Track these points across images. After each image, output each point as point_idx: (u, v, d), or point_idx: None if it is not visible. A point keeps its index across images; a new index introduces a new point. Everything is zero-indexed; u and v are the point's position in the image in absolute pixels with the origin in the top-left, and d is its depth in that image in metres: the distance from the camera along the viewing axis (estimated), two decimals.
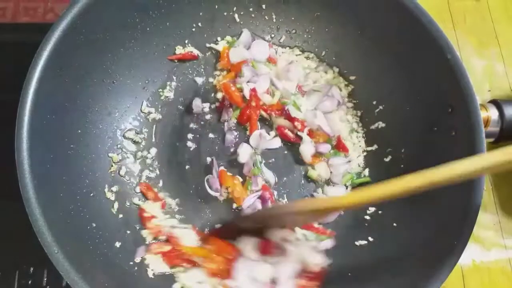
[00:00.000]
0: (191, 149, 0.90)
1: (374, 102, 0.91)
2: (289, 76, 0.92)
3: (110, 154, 0.84)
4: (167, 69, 0.93)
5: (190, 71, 0.94)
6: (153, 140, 0.89)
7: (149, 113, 0.90)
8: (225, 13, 0.93)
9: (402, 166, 0.85)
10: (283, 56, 0.97)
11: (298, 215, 0.72)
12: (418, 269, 0.70)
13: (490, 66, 1.10)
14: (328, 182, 0.90)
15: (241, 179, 0.88)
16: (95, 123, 0.82)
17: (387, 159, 0.88)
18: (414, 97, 0.84)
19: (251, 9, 0.94)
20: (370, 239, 0.83)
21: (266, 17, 0.95)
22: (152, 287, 0.74)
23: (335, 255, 0.81)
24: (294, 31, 0.97)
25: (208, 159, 0.89)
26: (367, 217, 0.85)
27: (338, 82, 0.95)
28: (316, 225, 0.85)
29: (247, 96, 0.89)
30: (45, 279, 0.82)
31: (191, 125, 0.91)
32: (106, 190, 0.81)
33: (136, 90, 0.89)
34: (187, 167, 0.88)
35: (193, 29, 0.93)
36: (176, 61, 0.93)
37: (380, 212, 0.85)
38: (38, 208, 0.64)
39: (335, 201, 0.67)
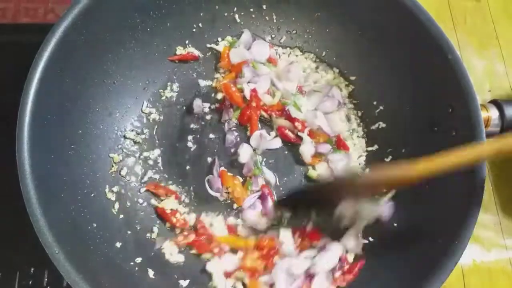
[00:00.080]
0: (192, 149, 0.90)
1: (375, 103, 0.91)
2: (290, 76, 0.92)
3: (110, 155, 0.84)
4: (168, 69, 0.93)
5: (191, 72, 0.94)
6: (154, 140, 0.89)
7: (150, 113, 0.90)
8: (225, 14, 0.93)
9: None
10: (283, 56, 0.97)
11: (376, 185, 0.71)
12: (419, 269, 0.70)
13: (490, 66, 1.10)
14: None
15: (241, 179, 0.88)
16: (96, 124, 0.82)
17: (387, 159, 0.88)
18: (415, 97, 0.85)
19: (251, 10, 0.94)
20: (370, 239, 0.83)
21: (266, 17, 0.96)
22: (153, 287, 0.74)
23: None
24: (294, 31, 0.97)
25: (209, 160, 0.89)
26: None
27: (338, 83, 0.95)
28: None
29: (248, 97, 0.89)
30: (46, 279, 0.82)
31: (192, 126, 0.91)
32: (106, 190, 0.81)
33: (137, 90, 0.89)
34: (187, 167, 0.88)
35: (194, 30, 0.93)
36: (176, 61, 0.93)
37: None
38: (39, 208, 0.64)
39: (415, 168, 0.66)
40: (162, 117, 0.91)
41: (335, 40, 0.94)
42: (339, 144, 0.89)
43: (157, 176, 0.87)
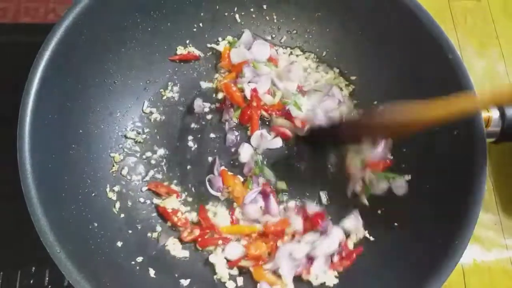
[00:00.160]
0: (193, 149, 0.90)
1: (375, 102, 0.91)
2: (290, 76, 0.92)
3: (111, 154, 0.84)
4: (169, 69, 0.93)
5: (191, 71, 0.95)
6: (155, 140, 0.89)
7: (151, 113, 0.90)
8: (226, 14, 0.93)
9: (403, 165, 0.85)
10: (284, 56, 0.97)
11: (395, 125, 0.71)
12: (419, 269, 0.70)
13: (491, 66, 1.11)
14: None
15: (242, 179, 0.88)
16: (97, 123, 0.82)
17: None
18: (415, 97, 0.84)
19: (252, 10, 0.94)
20: (371, 238, 0.83)
21: (267, 17, 0.96)
22: (154, 287, 0.75)
23: None
24: (295, 31, 0.97)
25: (210, 159, 0.89)
26: (368, 217, 0.86)
27: (339, 82, 0.95)
28: None
29: (248, 97, 0.89)
30: (47, 278, 0.82)
31: (193, 125, 0.91)
32: (107, 190, 0.81)
33: (138, 90, 0.89)
34: (188, 167, 0.89)
35: (194, 29, 0.93)
36: (177, 61, 0.93)
37: (381, 211, 0.85)
38: (40, 207, 0.64)
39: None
40: (163, 117, 0.91)
41: (335, 40, 0.94)
42: None
43: (158, 176, 0.87)
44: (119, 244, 0.76)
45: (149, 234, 0.82)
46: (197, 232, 0.82)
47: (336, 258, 0.80)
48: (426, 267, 0.69)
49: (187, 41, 0.93)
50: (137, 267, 0.75)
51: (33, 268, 0.82)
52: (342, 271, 0.80)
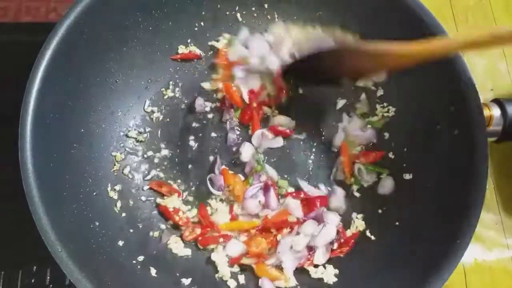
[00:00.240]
0: (194, 148, 0.90)
1: (377, 101, 0.91)
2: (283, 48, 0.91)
3: (113, 153, 0.84)
4: (170, 68, 0.92)
5: (193, 71, 0.94)
6: (156, 139, 0.90)
7: (152, 112, 0.90)
8: (227, 13, 0.93)
9: (404, 165, 0.85)
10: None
11: (369, 58, 0.73)
12: (420, 269, 0.70)
13: (492, 65, 1.10)
14: None
15: (243, 178, 0.88)
16: (98, 122, 0.82)
17: (391, 157, 0.88)
18: (416, 96, 0.85)
19: (253, 8, 0.94)
20: (373, 238, 0.83)
21: (268, 16, 0.95)
22: (155, 286, 0.75)
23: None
24: None
25: (211, 158, 0.89)
26: (369, 216, 0.86)
27: None
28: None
29: (246, 100, 0.89)
30: (48, 277, 0.82)
31: (194, 124, 0.91)
32: (109, 189, 0.81)
33: (139, 89, 0.89)
34: (189, 166, 0.89)
35: (196, 29, 0.93)
36: (178, 60, 0.93)
37: (382, 211, 0.85)
38: (41, 207, 0.64)
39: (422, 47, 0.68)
40: (164, 116, 0.91)
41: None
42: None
43: (159, 175, 0.87)
44: (120, 243, 0.76)
45: (150, 233, 0.82)
46: (198, 231, 0.82)
47: (335, 245, 0.82)
48: (427, 266, 0.69)
49: (189, 40, 0.93)
50: (138, 266, 0.75)
51: (35, 267, 0.82)
52: (342, 271, 0.80)
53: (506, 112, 0.81)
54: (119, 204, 0.81)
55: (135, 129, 0.88)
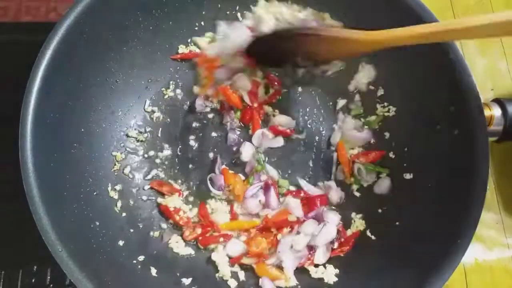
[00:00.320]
0: (194, 148, 0.90)
1: (377, 101, 0.91)
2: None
3: (113, 153, 0.84)
4: (170, 68, 0.93)
5: (193, 70, 0.94)
6: (156, 139, 0.90)
7: (152, 112, 0.90)
8: (227, 12, 0.93)
9: (405, 165, 0.85)
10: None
11: (329, 43, 0.73)
12: (421, 268, 0.70)
13: (493, 65, 1.10)
14: None
15: (243, 178, 0.88)
16: (98, 122, 0.82)
17: (391, 156, 0.88)
18: (417, 96, 0.84)
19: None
20: (373, 237, 0.83)
21: None
22: (155, 286, 0.75)
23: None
24: None
25: (211, 158, 0.89)
26: (369, 216, 0.86)
27: None
28: None
29: (248, 102, 0.89)
30: (49, 277, 0.82)
31: (194, 124, 0.91)
32: (109, 188, 0.81)
33: (139, 89, 0.89)
34: (190, 165, 0.89)
35: (196, 28, 0.93)
36: (179, 60, 0.93)
37: (382, 211, 0.85)
38: (42, 206, 0.64)
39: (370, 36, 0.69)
40: (164, 116, 0.91)
41: None
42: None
43: (159, 174, 0.87)
44: (121, 243, 0.76)
45: (150, 233, 0.82)
46: (198, 230, 0.82)
47: (336, 244, 0.82)
48: (428, 266, 0.69)
49: (189, 40, 0.93)
50: (139, 266, 0.75)
51: (35, 267, 0.82)
52: (342, 271, 0.80)
53: (507, 111, 0.81)
54: (119, 203, 0.81)
55: (135, 129, 0.88)
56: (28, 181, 0.65)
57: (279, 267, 0.80)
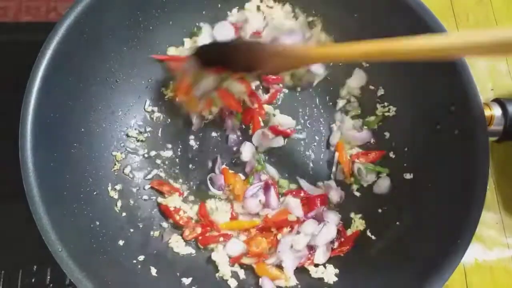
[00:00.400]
0: (194, 147, 0.90)
1: (377, 101, 0.91)
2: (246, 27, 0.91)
3: (113, 153, 0.84)
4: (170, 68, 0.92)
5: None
6: (157, 139, 0.90)
7: (153, 112, 0.90)
8: (227, 12, 0.93)
9: (405, 165, 0.85)
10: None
11: (273, 57, 0.74)
12: (421, 268, 0.70)
13: (493, 65, 1.10)
14: None
15: (243, 177, 0.88)
16: (99, 122, 0.82)
17: (391, 156, 0.88)
18: (417, 96, 0.84)
19: None
20: (373, 237, 0.83)
21: None
22: (155, 285, 0.75)
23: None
24: None
25: (211, 158, 0.89)
26: (369, 216, 0.86)
27: None
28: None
29: (250, 105, 0.89)
30: (49, 277, 0.82)
31: (194, 124, 0.91)
32: (109, 188, 0.81)
33: (139, 89, 0.89)
34: (190, 165, 0.89)
35: (196, 28, 0.93)
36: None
37: (382, 210, 0.85)
38: (42, 206, 0.64)
39: (308, 50, 0.72)
40: (164, 116, 0.91)
41: (336, 41, 0.94)
42: None
43: (160, 174, 0.87)
44: (121, 242, 0.76)
45: (151, 233, 0.82)
46: (198, 230, 0.82)
47: (336, 244, 0.82)
48: (428, 266, 0.69)
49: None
50: (139, 266, 0.75)
51: (35, 267, 0.82)
52: (342, 270, 0.80)
53: (507, 111, 0.81)
54: (119, 203, 0.81)
55: (135, 129, 0.88)
56: (28, 181, 0.65)
57: (279, 267, 0.80)
